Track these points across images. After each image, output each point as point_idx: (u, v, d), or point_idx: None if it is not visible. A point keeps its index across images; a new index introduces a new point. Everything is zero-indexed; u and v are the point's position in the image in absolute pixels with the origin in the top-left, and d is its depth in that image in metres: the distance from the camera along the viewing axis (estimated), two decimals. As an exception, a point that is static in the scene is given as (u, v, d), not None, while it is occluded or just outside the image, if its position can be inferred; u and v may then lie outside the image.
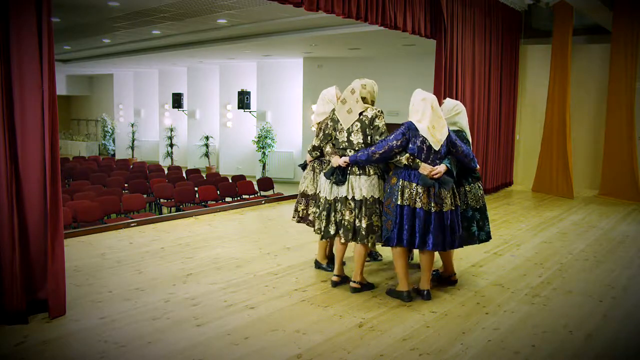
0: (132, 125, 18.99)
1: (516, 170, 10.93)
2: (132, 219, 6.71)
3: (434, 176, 3.85)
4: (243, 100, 14.06)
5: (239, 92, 14.21)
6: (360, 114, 4.04)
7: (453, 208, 4.00)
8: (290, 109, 13.98)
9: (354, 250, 4.29)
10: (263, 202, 8.40)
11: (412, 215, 3.88)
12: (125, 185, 9.48)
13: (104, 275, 4.58)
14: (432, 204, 3.85)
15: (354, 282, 4.27)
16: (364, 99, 4.08)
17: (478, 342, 3.41)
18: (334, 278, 4.42)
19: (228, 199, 8.90)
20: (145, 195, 8.35)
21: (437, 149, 3.87)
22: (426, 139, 3.86)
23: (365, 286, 4.30)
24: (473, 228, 4.35)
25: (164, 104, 17.92)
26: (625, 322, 3.85)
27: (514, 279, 4.74)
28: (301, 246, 5.60)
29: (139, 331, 3.46)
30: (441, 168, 3.88)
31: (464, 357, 3.20)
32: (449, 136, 3.96)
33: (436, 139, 3.87)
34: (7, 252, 3.46)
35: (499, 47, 9.72)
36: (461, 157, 4.08)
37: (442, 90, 8.09)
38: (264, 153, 13.91)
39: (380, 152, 3.88)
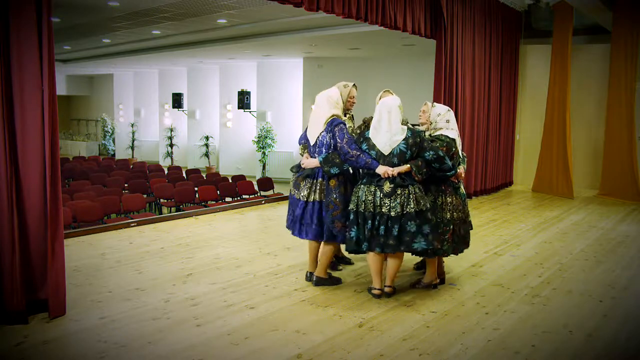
0: (132, 125, 18.95)
1: (516, 170, 10.93)
2: (132, 219, 6.71)
3: (303, 166, 4.34)
4: (243, 100, 14.04)
5: (239, 92, 14.18)
6: None
7: (317, 201, 4.22)
8: (290, 109, 13.96)
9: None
10: (263, 202, 8.40)
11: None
12: (125, 185, 9.46)
13: (104, 275, 4.58)
14: (295, 191, 4.36)
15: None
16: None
17: (478, 342, 3.41)
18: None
19: (228, 199, 8.89)
20: (145, 195, 8.33)
21: (312, 143, 4.30)
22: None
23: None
24: (352, 232, 3.98)
25: (164, 104, 17.89)
26: (625, 322, 3.85)
27: (514, 279, 4.74)
28: (301, 246, 5.59)
29: (139, 331, 3.46)
30: (309, 160, 4.29)
31: (464, 357, 3.20)
32: (331, 135, 4.11)
33: (311, 135, 4.31)
34: (7, 252, 3.46)
35: (499, 47, 9.72)
36: (339, 153, 4.09)
37: (442, 90, 8.09)
38: (264, 153, 13.89)
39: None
